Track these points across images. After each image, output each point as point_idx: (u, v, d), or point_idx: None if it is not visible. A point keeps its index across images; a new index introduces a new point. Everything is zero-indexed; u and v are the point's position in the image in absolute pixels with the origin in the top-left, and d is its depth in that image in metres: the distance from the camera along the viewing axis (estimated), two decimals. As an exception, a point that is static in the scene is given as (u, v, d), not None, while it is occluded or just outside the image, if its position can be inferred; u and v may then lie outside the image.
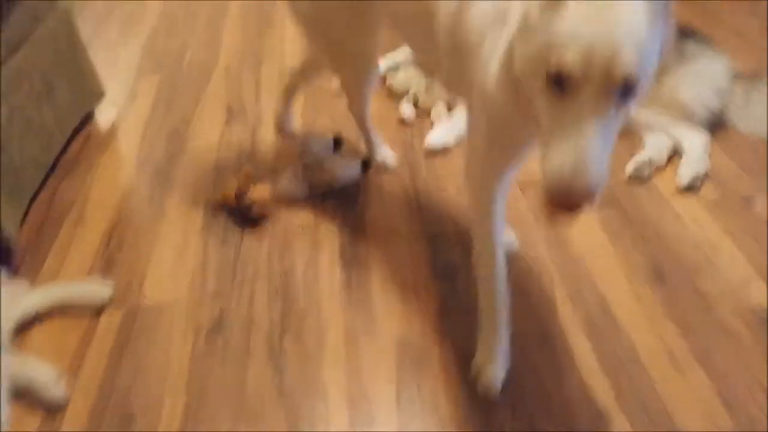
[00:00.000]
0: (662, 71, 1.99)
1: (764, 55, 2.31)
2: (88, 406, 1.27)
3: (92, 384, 1.31)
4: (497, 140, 1.10)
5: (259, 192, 1.71)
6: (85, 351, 1.39)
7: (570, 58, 0.77)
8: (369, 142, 1.92)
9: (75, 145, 2.10)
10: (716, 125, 2.01)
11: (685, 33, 2.10)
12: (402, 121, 2.12)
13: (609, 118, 0.80)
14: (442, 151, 1.98)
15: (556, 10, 0.80)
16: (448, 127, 2.03)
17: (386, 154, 1.93)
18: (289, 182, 1.78)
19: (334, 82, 2.25)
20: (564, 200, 0.83)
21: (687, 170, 1.84)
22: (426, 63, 2.21)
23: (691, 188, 1.82)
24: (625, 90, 0.79)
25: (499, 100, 0.98)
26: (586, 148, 0.80)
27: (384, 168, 1.91)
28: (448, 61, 1.15)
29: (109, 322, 1.46)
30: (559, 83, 0.79)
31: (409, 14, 1.26)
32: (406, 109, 2.12)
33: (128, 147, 2.09)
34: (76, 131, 2.14)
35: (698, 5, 2.79)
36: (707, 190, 1.82)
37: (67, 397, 1.28)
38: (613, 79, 0.78)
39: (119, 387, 1.31)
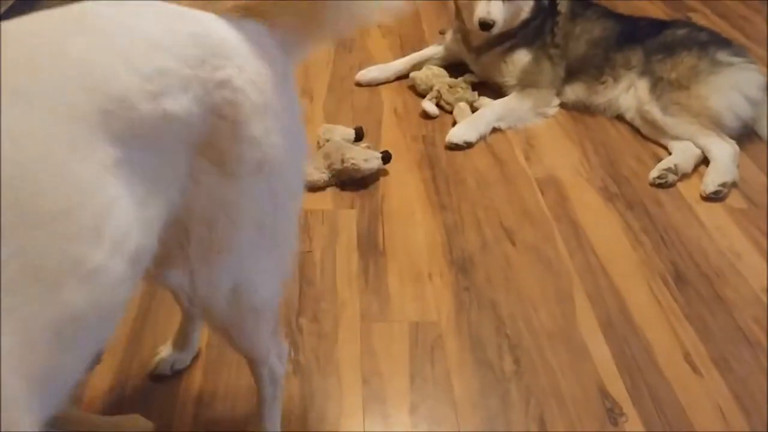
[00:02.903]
0: (694, 79, 1.98)
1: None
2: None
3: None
4: None
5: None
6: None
7: None
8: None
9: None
10: (746, 136, 1.98)
11: (720, 42, 2.08)
12: (425, 115, 2.12)
13: None
14: (463, 147, 1.98)
15: None
16: (470, 124, 2.03)
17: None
18: (311, 170, 1.79)
19: (358, 75, 2.27)
20: None
21: (713, 178, 1.82)
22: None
23: (716, 196, 1.79)
24: None
25: None
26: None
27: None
28: None
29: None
30: None
31: None
32: (428, 107, 2.12)
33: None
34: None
35: (734, 15, 2.76)
36: (734, 200, 1.80)
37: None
38: None
39: (144, 349, 1.32)
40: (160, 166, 0.70)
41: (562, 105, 2.21)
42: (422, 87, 2.22)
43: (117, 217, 0.62)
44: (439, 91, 2.16)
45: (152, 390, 1.24)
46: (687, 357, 1.34)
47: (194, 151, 0.74)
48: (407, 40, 2.59)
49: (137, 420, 1.16)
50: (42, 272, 0.56)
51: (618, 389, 1.27)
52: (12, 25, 0.63)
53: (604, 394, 1.26)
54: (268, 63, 0.81)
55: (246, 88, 0.76)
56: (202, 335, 1.33)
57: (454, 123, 2.07)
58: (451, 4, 2.32)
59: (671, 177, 1.85)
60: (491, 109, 2.10)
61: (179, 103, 0.69)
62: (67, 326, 0.58)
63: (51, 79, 0.60)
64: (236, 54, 0.76)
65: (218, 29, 0.77)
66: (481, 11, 2.06)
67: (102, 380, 1.25)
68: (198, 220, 0.80)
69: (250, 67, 0.78)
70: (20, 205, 0.55)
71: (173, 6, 0.76)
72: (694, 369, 1.31)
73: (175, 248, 0.79)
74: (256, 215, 0.84)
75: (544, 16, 2.18)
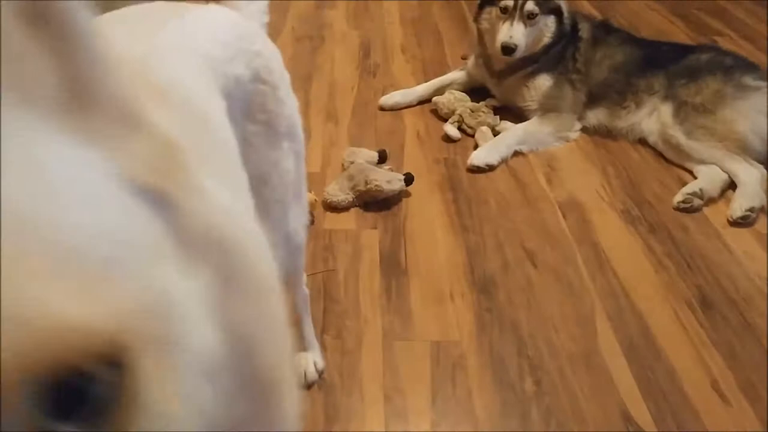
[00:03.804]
0: (720, 103, 1.98)
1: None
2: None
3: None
4: None
5: (308, 198, 1.75)
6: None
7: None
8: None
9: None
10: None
11: (745, 66, 2.08)
12: (447, 138, 2.14)
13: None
14: (485, 169, 1.99)
15: None
16: (492, 147, 2.05)
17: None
18: (335, 191, 1.82)
19: (381, 100, 2.31)
20: None
21: (741, 203, 1.80)
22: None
23: (744, 221, 1.77)
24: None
25: None
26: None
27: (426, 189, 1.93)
28: None
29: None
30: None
31: None
32: (450, 131, 2.14)
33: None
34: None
35: (761, 38, 2.76)
36: (762, 225, 1.77)
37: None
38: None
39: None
40: (233, 125, 0.84)
41: (584, 129, 2.21)
42: (444, 111, 2.24)
43: (237, 154, 0.77)
44: (461, 115, 2.18)
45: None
46: (714, 384, 1.31)
47: (246, 117, 0.89)
48: (430, 65, 2.62)
49: None
50: (241, 186, 0.71)
51: (642, 415, 1.25)
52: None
53: (628, 419, 1.24)
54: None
55: (272, 57, 0.93)
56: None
57: (476, 146, 2.09)
58: (474, 29, 2.36)
59: (696, 201, 1.84)
60: (513, 133, 2.11)
61: (239, 68, 0.85)
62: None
63: (178, 43, 0.76)
64: (258, 34, 0.94)
65: (241, 20, 0.94)
66: (503, 36, 2.09)
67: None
68: (254, 177, 0.94)
69: (268, 44, 0.95)
70: (208, 134, 0.68)
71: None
72: (722, 397, 1.29)
73: None
74: (292, 171, 1.01)
75: (566, 41, 2.21)
